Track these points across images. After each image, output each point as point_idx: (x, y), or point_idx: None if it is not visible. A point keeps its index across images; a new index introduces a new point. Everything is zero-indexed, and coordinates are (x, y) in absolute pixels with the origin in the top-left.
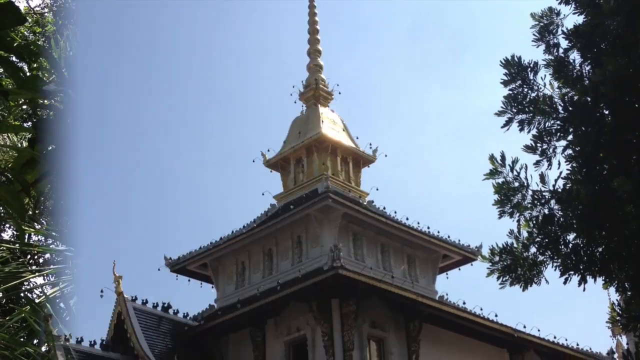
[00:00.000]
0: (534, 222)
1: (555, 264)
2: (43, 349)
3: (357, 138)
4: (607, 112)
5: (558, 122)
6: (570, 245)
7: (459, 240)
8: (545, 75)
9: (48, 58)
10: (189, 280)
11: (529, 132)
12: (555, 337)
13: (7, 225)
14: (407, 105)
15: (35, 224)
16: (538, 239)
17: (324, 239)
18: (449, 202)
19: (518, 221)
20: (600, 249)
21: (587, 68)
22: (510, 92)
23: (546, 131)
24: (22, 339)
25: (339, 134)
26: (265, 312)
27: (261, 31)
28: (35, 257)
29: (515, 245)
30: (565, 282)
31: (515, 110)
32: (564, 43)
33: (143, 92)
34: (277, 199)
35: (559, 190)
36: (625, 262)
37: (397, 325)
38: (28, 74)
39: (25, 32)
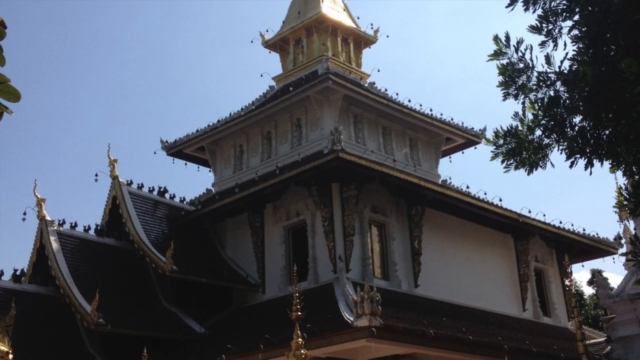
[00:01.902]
0: (539, 104)
1: (561, 147)
2: None
3: (358, 18)
4: None
5: (564, 2)
6: (577, 128)
7: (463, 123)
8: None
9: None
10: (185, 164)
11: (534, 12)
12: (561, 223)
13: None
14: None
15: None
16: (543, 122)
17: (324, 122)
18: (452, 84)
19: (523, 103)
20: (607, 132)
21: None
22: None
23: (552, 11)
24: None
25: (339, 13)
26: (263, 197)
27: None
28: None
29: (520, 128)
30: (571, 166)
31: None
32: None
33: None
34: (276, 81)
35: (565, 71)
36: (633, 145)
37: (399, 210)
38: None
39: None
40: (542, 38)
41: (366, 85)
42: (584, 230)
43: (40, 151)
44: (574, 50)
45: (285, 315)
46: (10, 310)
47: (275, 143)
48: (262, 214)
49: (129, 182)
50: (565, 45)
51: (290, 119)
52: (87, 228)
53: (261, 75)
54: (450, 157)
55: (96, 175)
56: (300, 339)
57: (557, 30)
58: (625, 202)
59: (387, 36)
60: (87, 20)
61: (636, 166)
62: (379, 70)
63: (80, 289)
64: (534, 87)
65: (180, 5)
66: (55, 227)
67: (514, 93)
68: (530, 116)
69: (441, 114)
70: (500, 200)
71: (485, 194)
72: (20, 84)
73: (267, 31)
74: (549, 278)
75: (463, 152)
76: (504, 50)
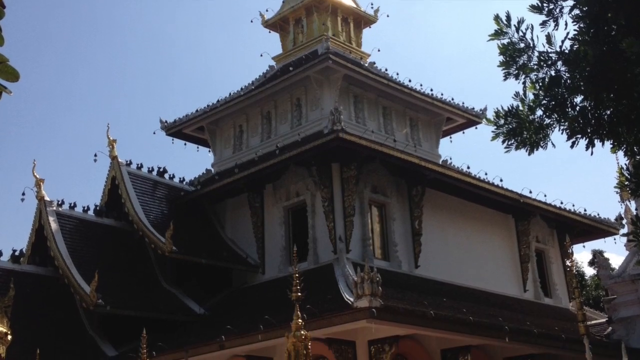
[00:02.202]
0: (540, 84)
1: (562, 127)
2: None
3: None
4: None
5: None
6: (578, 108)
7: (463, 103)
8: None
9: None
10: (185, 144)
11: None
12: (562, 203)
13: None
14: None
15: None
16: (544, 102)
17: (324, 102)
18: (453, 64)
19: (524, 83)
20: (608, 112)
21: None
22: None
23: None
24: None
25: None
26: (263, 177)
27: None
28: None
29: (520, 108)
30: (572, 146)
31: None
32: None
33: None
34: (276, 61)
35: (566, 51)
36: (634, 125)
37: (399, 191)
38: None
39: None
40: (543, 17)
41: (366, 65)
42: (585, 210)
43: (39, 131)
44: (575, 30)
45: (285, 296)
46: (8, 290)
47: (275, 123)
48: (262, 195)
49: (128, 162)
50: (566, 24)
51: (290, 99)
52: (86, 208)
53: (261, 55)
54: (450, 137)
55: (95, 155)
56: (300, 320)
57: (558, 10)
58: (626, 183)
59: (387, 16)
60: (92, 4)
61: (637, 146)
62: (379, 50)
63: (79, 269)
64: (535, 67)
65: None
66: (54, 208)
67: (514, 73)
68: (531, 96)
69: (442, 94)
70: (501, 180)
71: (486, 174)
72: (19, 64)
73: (267, 11)
74: (549, 259)
75: (464, 132)
76: (504, 30)
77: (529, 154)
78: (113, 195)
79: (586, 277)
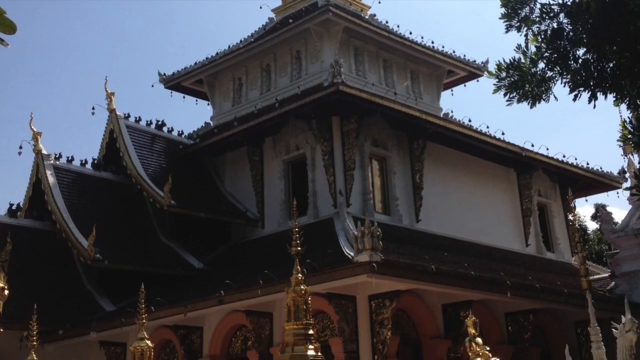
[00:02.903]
0: (543, 36)
1: (564, 80)
2: None
3: None
4: None
5: None
6: (580, 60)
7: (465, 56)
8: None
9: None
10: (183, 97)
11: None
12: (564, 157)
13: None
14: None
15: None
16: (546, 54)
17: (324, 55)
18: (454, 17)
19: (526, 35)
20: (611, 64)
21: None
22: None
23: None
24: None
25: None
26: (263, 130)
27: None
28: None
29: (522, 60)
30: (574, 99)
31: None
32: None
33: None
34: (276, 13)
35: (568, 3)
36: (637, 78)
37: (400, 144)
38: None
39: None
40: None
41: (367, 17)
42: (587, 164)
43: (37, 84)
44: None
45: (285, 250)
46: (5, 245)
47: (274, 76)
48: (262, 148)
49: (127, 115)
50: None
51: (290, 51)
52: (83, 162)
53: (260, 7)
54: (452, 90)
55: (93, 108)
56: (299, 275)
57: None
58: (629, 136)
59: None
60: None
61: None
62: (379, 2)
63: (77, 223)
64: (537, 19)
65: None
66: (52, 161)
67: (516, 25)
68: (533, 48)
69: (443, 47)
70: (503, 134)
71: (487, 127)
72: (16, 16)
73: None
74: (552, 213)
75: (465, 85)
76: None
77: (531, 107)
78: (111, 149)
79: (589, 232)
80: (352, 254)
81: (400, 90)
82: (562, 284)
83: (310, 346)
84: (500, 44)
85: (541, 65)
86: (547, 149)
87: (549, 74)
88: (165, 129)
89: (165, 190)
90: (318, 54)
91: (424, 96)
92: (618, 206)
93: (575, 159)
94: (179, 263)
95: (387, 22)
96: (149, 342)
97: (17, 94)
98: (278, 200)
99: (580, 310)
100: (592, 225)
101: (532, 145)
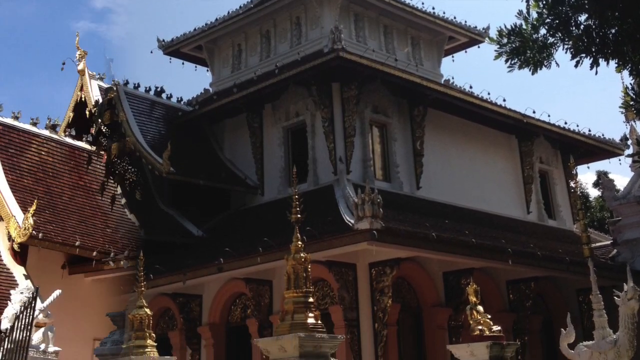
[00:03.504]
0: (544, 2)
1: (566, 46)
2: None
3: None
4: None
5: None
6: (582, 26)
7: (466, 22)
8: None
9: None
10: (182, 64)
11: None
12: (566, 123)
13: None
14: None
15: None
16: (548, 20)
17: (324, 20)
18: None
19: (527, 1)
20: (613, 31)
21: None
22: None
23: None
24: None
25: None
26: (262, 97)
27: None
28: None
29: (524, 26)
30: (576, 65)
31: None
32: None
33: None
34: None
35: None
36: None
37: (400, 111)
38: None
39: None
40: None
41: None
42: (589, 130)
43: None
44: None
45: (285, 217)
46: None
47: (274, 42)
48: (261, 115)
49: (125, 82)
50: None
51: (290, 17)
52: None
53: None
54: (452, 57)
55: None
56: (299, 242)
57: None
58: (631, 103)
59: None
60: None
61: None
62: None
63: None
64: None
65: None
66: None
67: None
68: (534, 14)
69: (444, 12)
70: (504, 100)
71: (488, 94)
72: None
73: None
74: (553, 180)
75: (466, 52)
76: None
77: (533, 74)
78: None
79: (590, 199)
80: (352, 221)
81: (401, 57)
82: (563, 251)
83: (310, 314)
84: (502, 10)
85: (543, 31)
86: (549, 116)
87: (551, 40)
88: (164, 95)
89: (164, 157)
90: (318, 20)
91: (424, 62)
92: (620, 173)
93: (577, 125)
94: (178, 230)
95: None
96: (147, 310)
97: None
98: (278, 167)
99: (581, 278)
100: (594, 193)
101: (534, 112)
